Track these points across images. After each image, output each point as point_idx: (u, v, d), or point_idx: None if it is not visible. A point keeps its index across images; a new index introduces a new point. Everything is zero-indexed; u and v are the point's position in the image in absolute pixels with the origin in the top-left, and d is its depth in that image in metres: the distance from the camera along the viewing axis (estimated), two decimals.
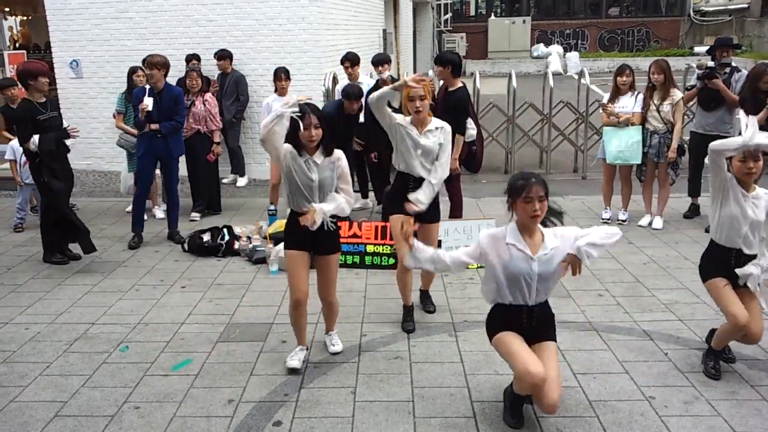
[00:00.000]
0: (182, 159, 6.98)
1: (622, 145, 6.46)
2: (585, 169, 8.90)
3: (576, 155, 9.20)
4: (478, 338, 4.28)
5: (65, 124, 6.49)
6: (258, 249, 6.00)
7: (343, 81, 7.63)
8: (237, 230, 6.42)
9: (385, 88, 4.17)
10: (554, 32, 27.41)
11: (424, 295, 4.88)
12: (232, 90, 8.43)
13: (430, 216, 4.38)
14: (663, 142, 6.37)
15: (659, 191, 6.60)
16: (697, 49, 22.58)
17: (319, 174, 3.79)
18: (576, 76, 10.56)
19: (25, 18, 14.27)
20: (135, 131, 6.69)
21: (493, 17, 26.89)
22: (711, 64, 6.57)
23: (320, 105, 6.97)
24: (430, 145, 4.25)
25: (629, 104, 6.48)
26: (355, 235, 5.76)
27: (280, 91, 6.95)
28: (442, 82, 6.28)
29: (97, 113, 9.26)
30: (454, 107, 6.04)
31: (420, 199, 4.20)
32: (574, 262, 3.19)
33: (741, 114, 3.60)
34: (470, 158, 6.14)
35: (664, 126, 6.36)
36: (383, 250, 5.72)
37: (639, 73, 7.28)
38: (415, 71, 20.17)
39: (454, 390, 3.75)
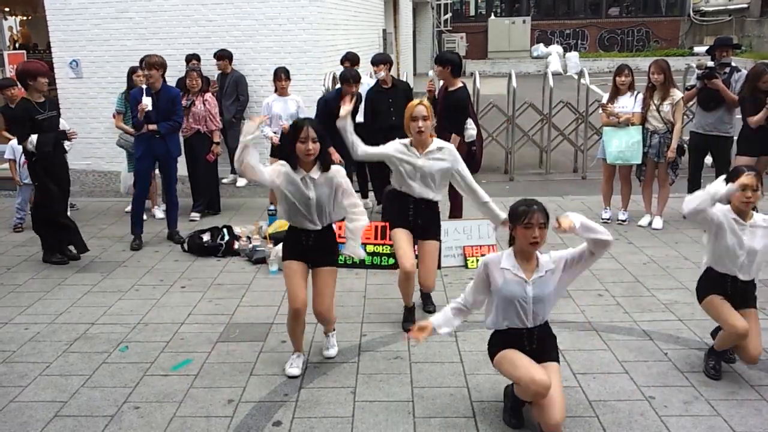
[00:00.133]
0: (182, 159, 6.98)
1: (623, 145, 6.46)
2: (585, 169, 8.90)
3: (576, 155, 9.20)
4: (478, 338, 4.28)
5: (65, 125, 6.52)
6: (258, 249, 6.00)
7: None
8: (237, 230, 6.43)
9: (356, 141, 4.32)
10: (554, 32, 27.41)
11: (425, 295, 4.89)
12: (232, 90, 8.43)
13: (431, 233, 4.51)
14: (663, 142, 6.37)
15: (659, 191, 6.60)
16: (696, 49, 22.58)
17: (316, 191, 3.78)
18: (576, 76, 10.56)
19: (25, 18, 14.28)
20: (133, 131, 6.69)
21: (492, 17, 26.88)
22: (711, 64, 6.57)
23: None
24: (428, 169, 4.33)
25: (628, 104, 6.48)
26: None
27: (280, 91, 6.95)
28: (442, 82, 6.29)
29: (97, 113, 9.25)
30: (454, 107, 6.04)
31: (499, 215, 4.26)
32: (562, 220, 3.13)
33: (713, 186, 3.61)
34: (470, 158, 6.12)
35: (664, 126, 6.36)
36: (383, 250, 5.72)
37: (639, 73, 7.28)
38: (415, 71, 20.20)
39: (454, 390, 3.75)
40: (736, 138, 6.45)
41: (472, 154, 6.23)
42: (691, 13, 26.41)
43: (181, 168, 6.99)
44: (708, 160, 7.12)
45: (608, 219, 6.80)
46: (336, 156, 6.57)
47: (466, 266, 5.72)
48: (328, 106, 6.64)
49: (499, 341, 3.35)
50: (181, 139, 7.29)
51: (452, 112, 6.08)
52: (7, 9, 13.13)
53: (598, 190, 7.01)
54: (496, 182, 8.60)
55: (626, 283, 5.28)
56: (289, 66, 7.41)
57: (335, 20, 9.56)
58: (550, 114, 9.14)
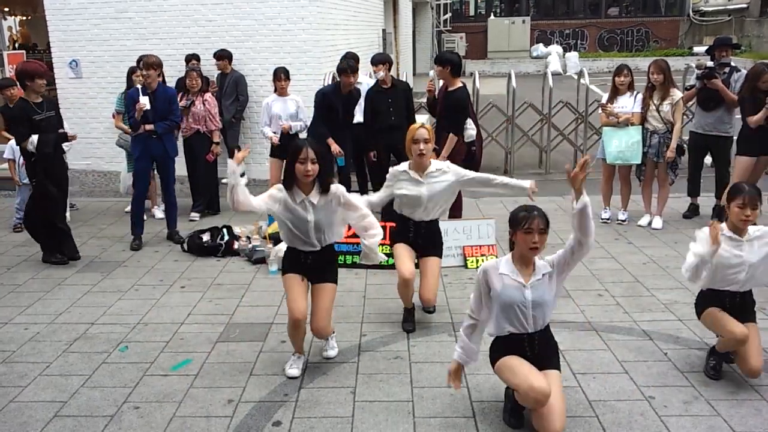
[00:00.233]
0: (182, 159, 6.98)
1: (623, 145, 6.46)
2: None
3: (575, 155, 9.20)
4: None
5: (65, 125, 6.52)
6: (257, 249, 6.00)
7: None
8: (236, 230, 6.43)
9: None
10: (554, 32, 27.41)
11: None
12: (232, 90, 8.42)
13: (432, 251, 4.56)
14: (663, 142, 6.37)
15: (659, 191, 6.60)
16: (696, 49, 22.61)
17: (315, 215, 3.79)
18: (575, 76, 10.56)
19: (24, 18, 14.28)
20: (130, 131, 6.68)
21: (492, 17, 26.89)
22: (710, 64, 6.57)
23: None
24: (431, 193, 4.40)
25: (628, 104, 6.48)
26: (355, 235, 5.74)
27: (280, 91, 6.95)
28: (442, 82, 6.29)
29: (97, 113, 9.25)
30: (454, 107, 6.04)
31: (523, 185, 4.36)
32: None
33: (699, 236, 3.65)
34: (469, 158, 6.13)
35: (663, 126, 6.36)
36: (383, 250, 5.71)
37: (638, 73, 7.29)
38: (414, 71, 20.20)
39: (454, 390, 3.74)
40: (735, 138, 6.45)
41: (471, 154, 6.24)
42: (691, 13, 26.42)
43: (181, 168, 6.98)
44: (708, 160, 7.12)
45: (608, 219, 6.80)
46: (335, 147, 6.61)
47: (465, 266, 5.72)
48: (326, 98, 6.66)
49: (500, 347, 3.35)
50: (181, 139, 7.32)
51: (452, 112, 6.08)
52: (6, 9, 13.13)
53: (598, 190, 7.00)
54: None
55: (626, 283, 5.28)
56: (289, 66, 7.41)
57: (335, 20, 9.56)
58: (549, 114, 9.14)
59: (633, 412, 3.49)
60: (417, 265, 4.56)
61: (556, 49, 24.90)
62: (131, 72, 7.29)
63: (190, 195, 7.50)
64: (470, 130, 6.27)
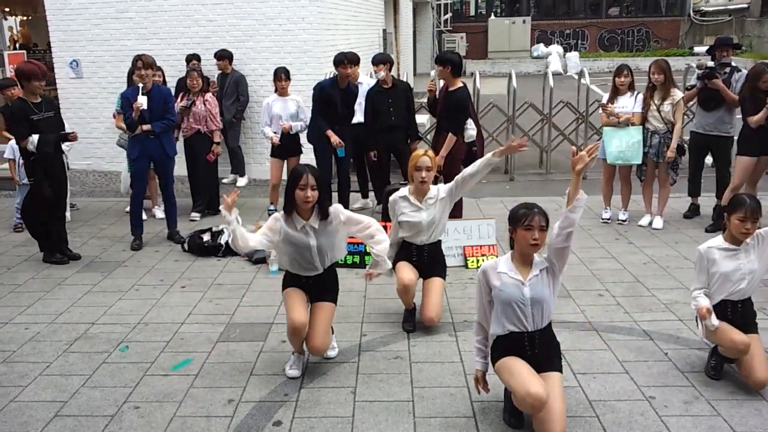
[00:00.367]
0: (182, 159, 6.97)
1: (623, 145, 6.46)
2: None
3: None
4: None
5: (66, 126, 6.51)
6: (258, 249, 5.98)
7: None
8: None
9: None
10: (554, 32, 27.43)
11: None
12: (232, 90, 8.43)
13: (436, 272, 4.60)
14: (663, 142, 6.37)
15: (659, 191, 6.60)
16: (696, 49, 22.59)
17: (317, 239, 3.82)
18: (576, 76, 10.56)
19: (25, 18, 14.29)
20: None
21: (493, 17, 26.90)
22: (711, 63, 6.57)
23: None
24: (431, 218, 4.46)
25: (628, 104, 6.48)
26: None
27: (280, 91, 6.96)
28: (442, 82, 6.29)
29: (97, 113, 9.26)
30: (455, 107, 6.05)
31: (501, 148, 4.33)
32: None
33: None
34: (470, 158, 6.13)
35: (664, 126, 6.36)
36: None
37: (639, 73, 7.28)
38: (415, 71, 20.20)
39: (454, 390, 3.74)
40: (736, 138, 6.45)
41: (472, 154, 6.24)
42: (691, 13, 26.42)
43: (182, 168, 6.98)
44: (708, 159, 7.12)
45: (608, 219, 6.80)
46: (335, 138, 6.63)
47: (466, 266, 5.72)
48: (324, 92, 6.66)
49: (500, 346, 3.34)
50: (181, 139, 7.32)
51: (452, 112, 6.09)
52: (7, 9, 13.13)
53: (598, 190, 7.00)
54: (496, 182, 8.60)
55: (626, 283, 5.28)
56: (289, 66, 7.41)
57: (335, 20, 9.56)
58: (550, 114, 9.14)
59: (633, 412, 3.49)
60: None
61: (556, 49, 24.91)
62: (132, 72, 7.28)
63: (191, 195, 7.50)
64: (471, 131, 6.28)
